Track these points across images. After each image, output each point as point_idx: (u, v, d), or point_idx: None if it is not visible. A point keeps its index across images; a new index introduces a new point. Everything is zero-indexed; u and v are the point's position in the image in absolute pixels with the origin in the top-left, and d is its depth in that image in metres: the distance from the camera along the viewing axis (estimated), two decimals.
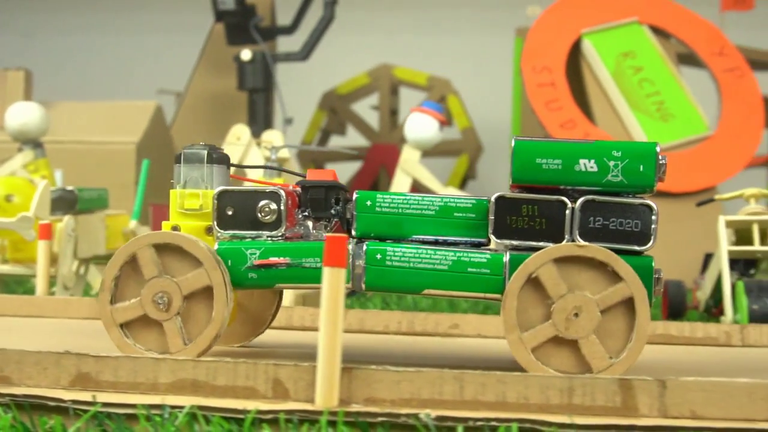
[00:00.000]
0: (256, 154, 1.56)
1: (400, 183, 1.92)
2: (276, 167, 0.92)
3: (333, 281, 0.64)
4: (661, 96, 2.10)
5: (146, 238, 0.76)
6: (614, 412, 0.62)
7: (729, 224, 1.21)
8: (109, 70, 3.30)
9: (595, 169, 0.72)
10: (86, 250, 1.34)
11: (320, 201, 0.78)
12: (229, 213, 0.77)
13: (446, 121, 2.01)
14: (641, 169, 0.71)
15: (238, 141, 1.56)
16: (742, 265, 1.24)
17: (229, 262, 0.76)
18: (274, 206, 0.76)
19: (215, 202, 0.77)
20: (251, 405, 0.63)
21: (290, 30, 2.41)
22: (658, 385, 0.62)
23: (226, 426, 0.62)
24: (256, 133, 2.05)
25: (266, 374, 0.66)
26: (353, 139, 2.91)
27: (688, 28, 2.20)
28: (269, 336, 0.95)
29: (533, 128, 2.36)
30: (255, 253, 0.76)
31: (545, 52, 2.11)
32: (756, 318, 1.11)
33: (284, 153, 1.74)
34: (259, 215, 0.76)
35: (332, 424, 0.62)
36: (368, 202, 0.76)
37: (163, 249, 0.76)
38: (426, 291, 0.75)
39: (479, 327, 1.03)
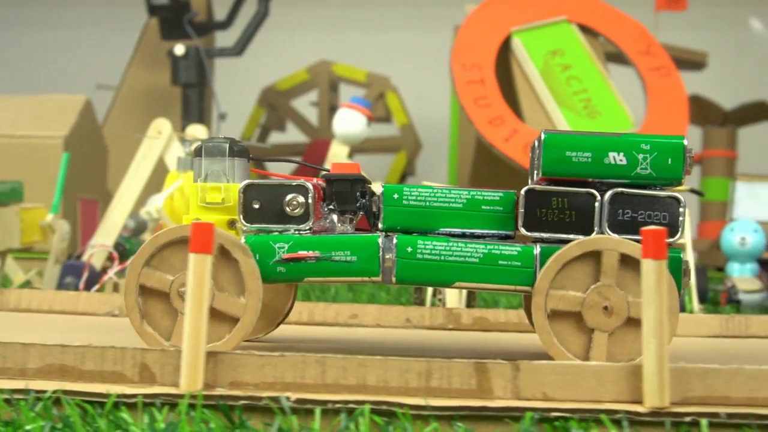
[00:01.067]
0: (178, 149, 1.56)
1: None
2: (297, 161, 0.90)
3: (197, 267, 0.65)
4: (588, 93, 2.13)
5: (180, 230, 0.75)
6: (470, 394, 0.64)
7: None
8: (43, 64, 3.27)
9: (625, 162, 0.73)
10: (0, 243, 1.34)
11: (346, 194, 0.77)
12: (256, 206, 0.76)
13: (374, 117, 2.03)
14: (669, 162, 0.73)
15: (159, 135, 1.56)
16: None
17: (257, 255, 0.75)
18: (301, 199, 0.76)
19: (241, 195, 0.76)
20: (116, 389, 0.64)
21: (225, 25, 2.40)
22: (512, 368, 0.64)
23: (91, 410, 0.63)
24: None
25: (134, 359, 0.66)
26: (293, 135, 2.92)
27: (616, 27, 2.24)
28: (287, 331, 0.96)
29: (472, 125, 2.38)
30: (283, 247, 0.75)
31: (475, 49, 2.14)
32: None
33: None
34: (286, 209, 0.76)
35: (194, 407, 0.63)
36: (395, 195, 0.76)
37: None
38: (457, 284, 0.75)
39: (378, 318, 1.04)
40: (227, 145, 0.79)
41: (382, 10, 3.30)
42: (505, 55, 2.18)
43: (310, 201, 0.76)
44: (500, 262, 0.75)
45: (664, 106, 2.16)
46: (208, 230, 0.66)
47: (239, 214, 0.77)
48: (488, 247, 0.75)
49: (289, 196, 0.76)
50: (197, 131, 1.71)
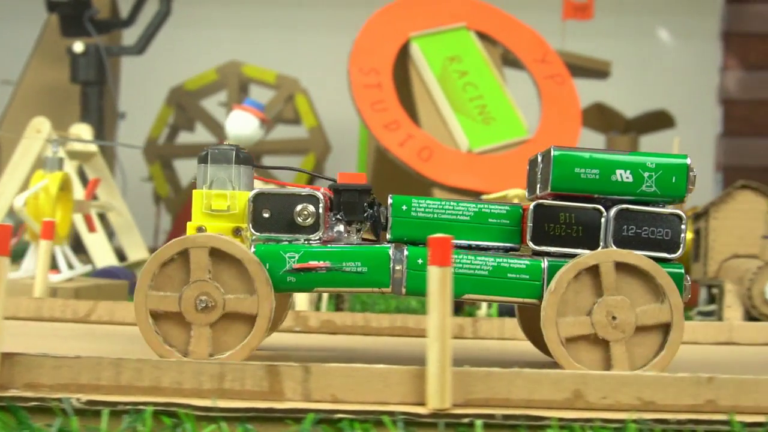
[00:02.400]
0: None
1: None
2: (303, 170, 0.90)
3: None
4: (484, 100, 2.17)
5: (206, 239, 0.74)
6: (261, 396, 0.66)
7: None
8: None
9: (631, 179, 0.75)
10: None
11: (354, 204, 0.77)
12: (266, 215, 0.76)
13: (268, 119, 2.03)
14: (674, 180, 0.75)
15: (38, 134, 1.54)
16: None
17: (267, 265, 0.75)
18: (312, 209, 0.76)
19: (251, 204, 0.76)
20: None
21: (127, 23, 2.39)
22: (303, 371, 0.66)
23: None
24: (95, 127, 2.04)
25: None
26: (202, 135, 2.91)
27: (514, 35, 2.28)
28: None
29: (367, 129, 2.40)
30: (294, 257, 0.75)
31: (373, 53, 2.16)
32: (503, 313, 1.17)
33: (92, 147, 1.73)
34: (298, 218, 0.76)
35: None
36: (404, 207, 0.77)
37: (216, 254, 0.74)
38: (467, 296, 0.76)
39: None
40: (233, 152, 0.78)
41: (292, 11, 3.31)
42: (403, 60, 2.20)
43: (320, 211, 0.76)
44: (509, 275, 0.76)
45: (558, 113, 2.20)
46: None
47: (248, 223, 0.76)
48: (497, 260, 0.76)
49: (300, 206, 0.76)
50: (81, 131, 1.70)
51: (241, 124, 1.89)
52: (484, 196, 1.33)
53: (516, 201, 1.29)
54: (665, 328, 0.74)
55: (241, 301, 0.74)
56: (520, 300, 0.76)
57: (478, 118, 2.15)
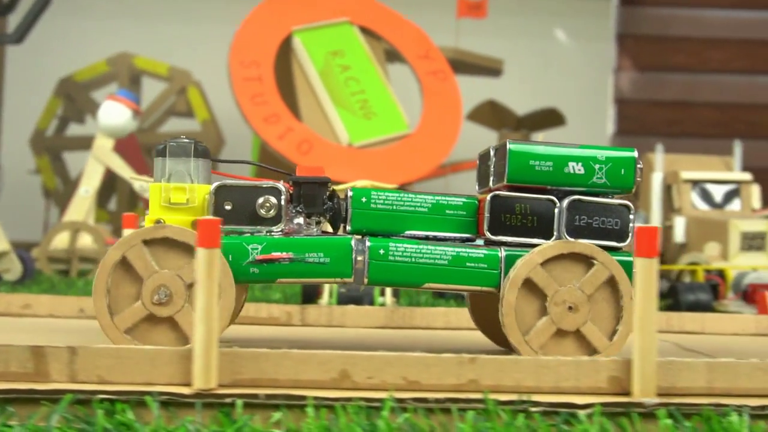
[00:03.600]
0: None
1: (93, 171, 1.91)
2: (261, 164, 0.89)
3: None
4: (366, 95, 2.18)
5: (134, 237, 0.74)
6: (27, 378, 0.65)
7: None
8: None
9: (583, 171, 0.78)
10: None
11: (314, 197, 0.78)
12: (228, 208, 0.77)
13: (140, 110, 2.01)
14: (623, 172, 0.78)
15: None
16: None
17: (230, 257, 0.75)
18: (274, 201, 0.76)
19: (212, 196, 0.76)
20: None
21: (7, 10, 2.34)
22: (69, 352, 0.66)
23: None
24: None
25: None
26: (92, 127, 2.86)
27: (397, 31, 2.30)
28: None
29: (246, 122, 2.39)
30: (257, 248, 0.76)
31: (254, 47, 2.16)
32: (343, 300, 1.18)
33: None
34: (260, 210, 0.76)
35: None
36: (363, 199, 0.78)
37: (150, 244, 0.75)
38: (427, 285, 0.78)
39: (52, 308, 1.04)
40: (192, 146, 0.78)
41: (185, 3, 3.28)
42: (286, 53, 2.21)
43: (282, 203, 0.77)
44: (468, 264, 0.78)
45: (440, 108, 2.23)
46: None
47: (210, 215, 0.76)
48: (456, 249, 0.78)
49: (262, 198, 0.76)
50: None
51: (114, 115, 1.87)
52: (333, 188, 1.33)
53: None
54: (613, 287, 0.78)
55: None
56: (479, 288, 0.78)
57: (359, 112, 2.16)
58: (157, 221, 0.78)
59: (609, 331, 0.78)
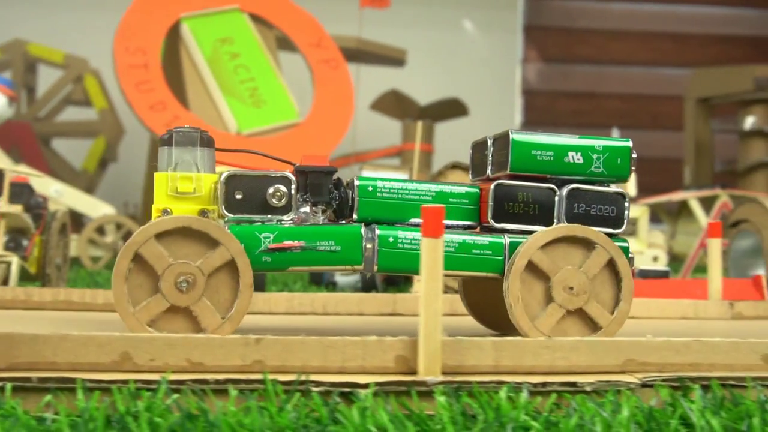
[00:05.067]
0: None
1: None
2: (264, 154, 0.87)
3: None
4: (256, 82, 2.17)
5: (147, 231, 0.73)
6: None
7: None
8: None
9: (581, 161, 0.80)
10: None
11: (320, 186, 0.78)
12: (238, 197, 0.76)
13: (16, 97, 1.97)
14: (619, 162, 0.80)
15: None
16: None
17: (243, 245, 0.75)
18: (284, 190, 0.77)
19: (223, 186, 0.76)
20: None
21: None
22: None
23: None
24: None
25: None
26: None
27: (288, 19, 2.29)
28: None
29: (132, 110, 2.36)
30: (269, 237, 0.76)
31: (141, 33, 2.12)
32: None
33: None
34: (271, 200, 0.76)
35: None
36: (370, 188, 0.79)
37: (163, 237, 0.74)
38: None
39: None
40: (198, 135, 0.78)
41: None
42: (174, 40, 2.18)
43: (292, 192, 0.77)
44: (474, 251, 0.79)
45: (331, 97, 2.22)
46: None
47: (221, 204, 0.76)
48: (463, 237, 0.79)
49: (272, 188, 0.76)
50: None
51: None
52: None
53: None
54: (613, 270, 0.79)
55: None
56: (484, 274, 0.80)
57: (248, 100, 2.15)
58: (164, 210, 0.78)
59: (609, 311, 0.80)
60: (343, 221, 0.81)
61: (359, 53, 2.92)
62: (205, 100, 2.12)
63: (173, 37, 2.17)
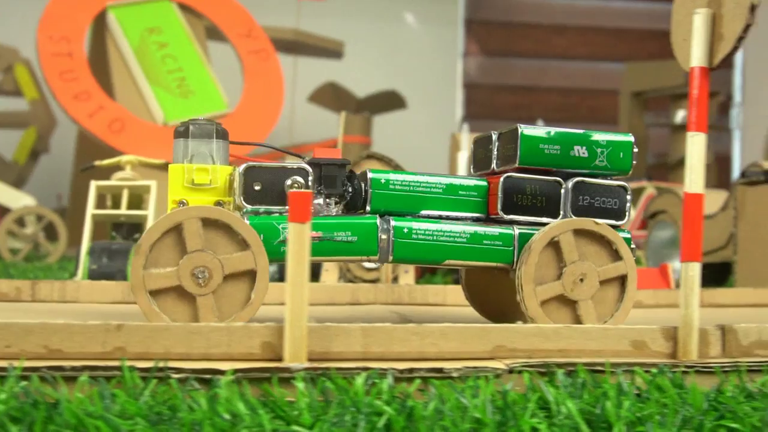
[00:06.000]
0: None
1: None
2: (274, 147, 0.88)
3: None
4: (184, 73, 2.14)
5: (195, 210, 0.74)
6: None
7: (101, 189, 1.25)
8: None
9: (586, 155, 0.82)
10: None
11: (334, 178, 0.80)
12: (257, 188, 0.78)
13: None
14: (621, 156, 0.83)
15: None
16: (125, 229, 1.28)
17: (262, 236, 0.76)
18: (302, 181, 0.78)
19: (242, 177, 0.77)
20: None
21: None
22: None
23: None
24: None
25: None
26: None
27: (218, 9, 2.27)
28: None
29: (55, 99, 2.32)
30: (287, 228, 0.74)
31: (65, 21, 2.09)
32: (95, 276, 1.15)
33: None
34: (289, 191, 0.75)
35: None
36: (382, 180, 0.81)
37: (208, 224, 0.74)
38: (447, 261, 0.81)
39: None
40: (214, 127, 0.79)
41: None
42: (101, 29, 2.15)
43: (309, 183, 0.78)
44: (485, 242, 0.81)
45: (261, 88, 2.21)
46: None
47: (240, 195, 0.77)
48: (474, 228, 0.81)
49: (290, 180, 0.78)
50: None
51: None
52: (97, 162, 1.30)
53: (129, 167, 1.28)
54: (622, 283, 0.82)
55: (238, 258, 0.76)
56: (494, 264, 0.82)
57: (176, 91, 2.12)
58: (180, 202, 0.78)
59: (613, 305, 0.81)
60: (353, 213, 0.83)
61: (296, 45, 2.90)
62: (131, 90, 2.10)
63: (99, 26, 2.14)
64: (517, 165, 0.82)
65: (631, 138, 0.84)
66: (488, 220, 0.84)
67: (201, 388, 0.63)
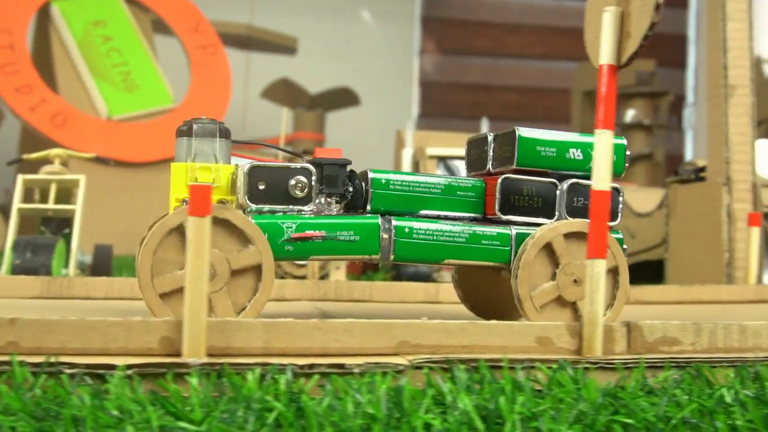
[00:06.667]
0: None
1: None
2: (273, 146, 0.90)
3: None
4: (129, 67, 2.12)
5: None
6: None
7: (28, 183, 1.23)
8: None
9: (581, 157, 0.84)
10: None
11: (335, 178, 0.80)
12: (261, 188, 0.78)
13: None
14: (614, 158, 0.84)
15: None
16: (54, 224, 1.26)
17: (266, 235, 0.77)
18: (305, 181, 0.79)
19: (246, 177, 0.78)
20: None
21: None
22: None
23: None
24: None
25: None
26: None
27: (165, 3, 2.25)
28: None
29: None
30: (291, 227, 0.78)
31: (7, 13, 2.06)
32: (17, 271, 1.13)
33: None
34: (294, 191, 0.78)
35: None
36: (383, 181, 0.82)
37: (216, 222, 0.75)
38: (446, 261, 0.82)
39: None
40: (217, 127, 0.79)
41: None
42: (45, 22, 2.12)
43: (313, 183, 0.79)
44: (483, 242, 0.82)
45: (208, 83, 2.19)
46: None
47: (244, 194, 0.78)
48: (473, 228, 0.82)
49: (295, 179, 0.78)
50: None
51: None
52: (25, 156, 1.28)
53: (57, 160, 1.26)
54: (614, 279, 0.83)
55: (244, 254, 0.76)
56: (491, 264, 0.83)
57: (121, 85, 2.10)
58: (184, 200, 0.79)
59: (606, 302, 0.82)
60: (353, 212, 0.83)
61: (250, 40, 2.89)
62: (75, 84, 2.07)
63: (43, 18, 2.11)
64: (514, 166, 0.83)
65: (624, 141, 0.86)
66: (485, 220, 0.85)
67: (94, 383, 0.63)
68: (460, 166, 1.82)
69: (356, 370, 0.67)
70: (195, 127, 0.80)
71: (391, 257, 0.81)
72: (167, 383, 0.64)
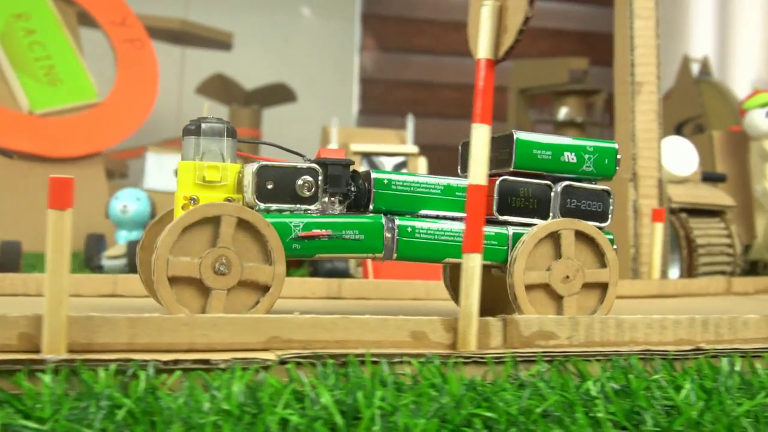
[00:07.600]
0: None
1: None
2: (277, 144, 0.89)
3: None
4: (52, 60, 2.09)
5: (235, 209, 0.76)
6: None
7: None
8: None
9: (575, 160, 0.86)
10: None
11: (339, 177, 0.82)
12: (269, 187, 0.80)
13: None
14: (606, 162, 0.87)
15: None
16: None
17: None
18: (312, 181, 0.80)
19: (254, 176, 0.79)
20: None
21: None
22: None
23: None
24: None
25: None
26: None
27: None
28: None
29: None
30: (298, 226, 0.79)
31: None
32: None
33: None
34: (301, 190, 0.80)
35: None
36: (385, 181, 0.83)
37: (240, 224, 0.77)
38: (447, 260, 0.84)
39: None
40: (225, 126, 0.81)
41: None
42: None
43: (319, 183, 0.81)
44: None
45: (134, 78, 2.16)
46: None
47: (253, 194, 0.80)
48: None
49: (302, 178, 0.80)
50: None
51: None
52: None
53: None
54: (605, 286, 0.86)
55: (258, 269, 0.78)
56: (490, 263, 0.85)
57: (44, 79, 2.06)
58: (191, 198, 0.80)
59: (596, 300, 0.86)
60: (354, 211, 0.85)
61: (184, 35, 2.86)
62: None
63: None
64: (512, 168, 0.86)
65: (615, 145, 0.89)
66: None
67: None
68: (386, 163, 1.82)
69: (222, 366, 0.66)
70: (203, 126, 0.82)
71: (394, 256, 0.83)
72: (32, 381, 0.62)
